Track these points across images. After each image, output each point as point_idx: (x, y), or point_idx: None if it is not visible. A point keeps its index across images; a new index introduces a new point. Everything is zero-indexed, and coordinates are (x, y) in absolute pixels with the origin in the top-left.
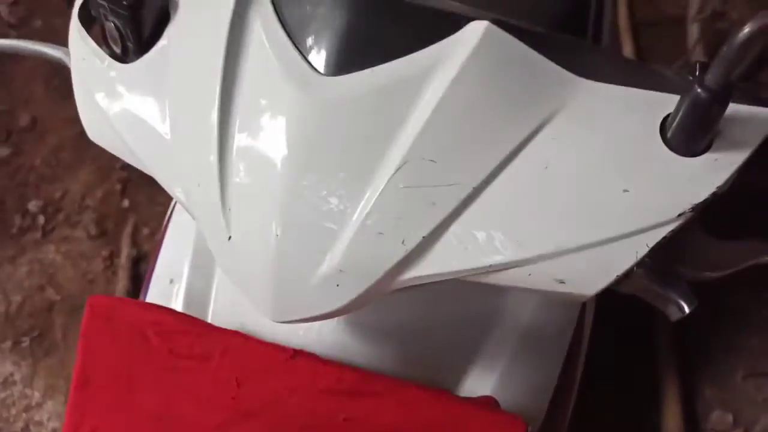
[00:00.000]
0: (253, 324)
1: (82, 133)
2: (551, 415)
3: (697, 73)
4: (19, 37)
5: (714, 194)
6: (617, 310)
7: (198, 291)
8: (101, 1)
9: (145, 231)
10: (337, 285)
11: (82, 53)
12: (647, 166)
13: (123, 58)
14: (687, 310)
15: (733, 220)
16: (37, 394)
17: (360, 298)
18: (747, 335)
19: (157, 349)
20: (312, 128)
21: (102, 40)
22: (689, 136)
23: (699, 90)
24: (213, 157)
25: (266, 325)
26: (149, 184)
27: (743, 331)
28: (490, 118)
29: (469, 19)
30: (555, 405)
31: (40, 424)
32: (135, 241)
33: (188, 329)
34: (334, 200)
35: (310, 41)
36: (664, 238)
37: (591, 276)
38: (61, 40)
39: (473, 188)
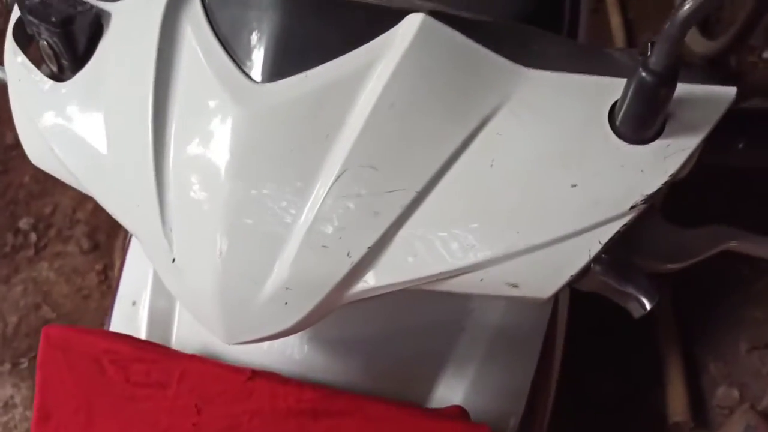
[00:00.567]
0: (218, 343)
1: None
2: (529, 416)
3: (648, 53)
4: None
5: (667, 183)
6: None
7: (161, 312)
8: (31, 19)
9: None
10: (285, 303)
11: (17, 74)
12: (595, 157)
13: (60, 76)
14: (648, 306)
15: (694, 206)
16: None
17: (310, 315)
18: (748, 307)
19: (113, 379)
20: (248, 141)
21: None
22: (638, 122)
23: (643, 74)
24: (149, 176)
25: None
26: None
27: (744, 302)
28: (430, 117)
29: (406, 13)
30: (532, 406)
31: None
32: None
33: (143, 356)
34: (275, 216)
35: (243, 47)
36: (618, 232)
37: (544, 278)
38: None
39: (416, 193)
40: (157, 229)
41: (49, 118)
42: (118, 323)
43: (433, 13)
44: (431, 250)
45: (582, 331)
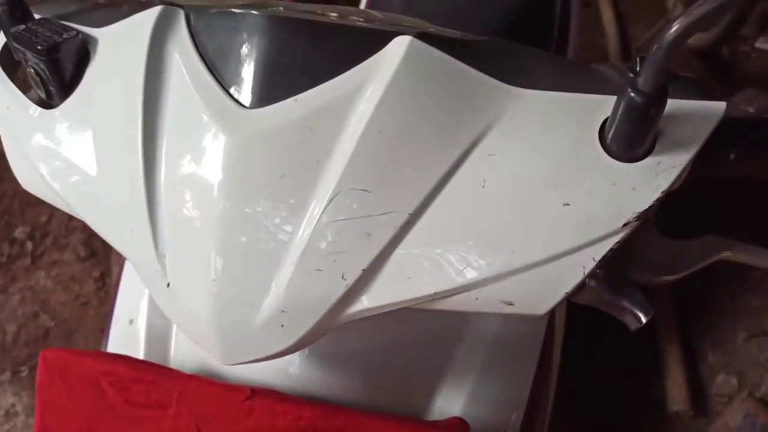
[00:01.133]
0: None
1: None
2: (527, 425)
3: (638, 68)
4: None
5: (659, 199)
6: None
7: (158, 329)
8: (17, 46)
9: None
10: (282, 325)
11: (5, 101)
12: (587, 176)
13: (48, 102)
14: (643, 320)
15: (688, 218)
16: None
17: (306, 336)
18: (746, 295)
19: (113, 401)
20: (239, 167)
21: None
22: (628, 140)
23: (632, 94)
24: (141, 202)
25: None
26: None
27: (742, 291)
28: (421, 139)
29: (393, 35)
30: (531, 415)
31: None
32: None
33: (142, 377)
34: (269, 240)
35: (230, 72)
36: (611, 249)
37: (539, 296)
38: None
39: (409, 215)
40: (150, 253)
41: (39, 146)
42: (115, 342)
43: (421, 35)
44: (426, 271)
45: (581, 323)
